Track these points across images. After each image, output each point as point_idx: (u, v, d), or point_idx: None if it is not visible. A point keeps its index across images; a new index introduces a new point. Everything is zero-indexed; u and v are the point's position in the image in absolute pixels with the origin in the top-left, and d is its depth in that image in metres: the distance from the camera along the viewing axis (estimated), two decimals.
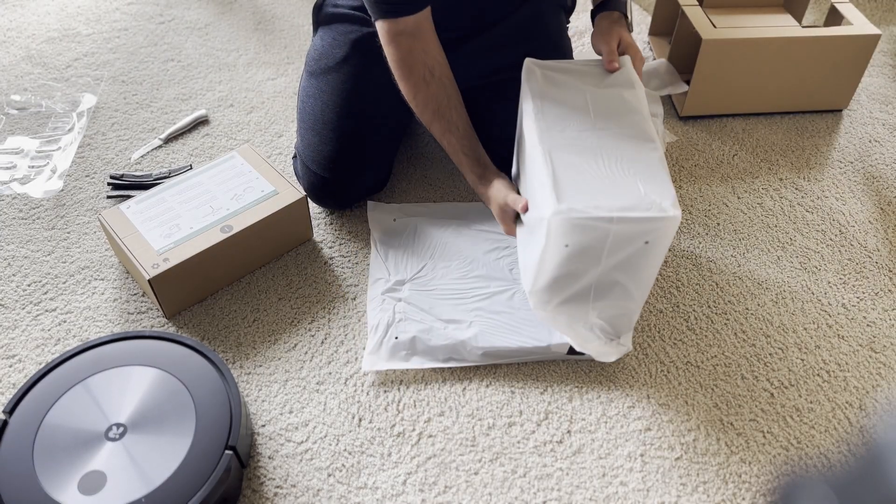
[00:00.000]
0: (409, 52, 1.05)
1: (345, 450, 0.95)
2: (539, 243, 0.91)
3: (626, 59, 1.04)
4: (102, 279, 1.15)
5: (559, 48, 1.28)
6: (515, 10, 1.22)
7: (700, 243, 1.24)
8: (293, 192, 1.15)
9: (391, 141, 1.25)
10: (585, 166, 0.89)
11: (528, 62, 1.02)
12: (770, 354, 1.08)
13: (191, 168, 1.34)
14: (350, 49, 1.20)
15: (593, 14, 1.20)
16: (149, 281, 1.02)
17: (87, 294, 1.13)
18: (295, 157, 1.26)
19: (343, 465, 0.94)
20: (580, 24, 1.75)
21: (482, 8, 1.20)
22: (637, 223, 0.84)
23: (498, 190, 1.07)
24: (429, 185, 1.33)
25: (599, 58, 1.07)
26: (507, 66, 1.21)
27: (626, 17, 1.16)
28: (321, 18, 1.28)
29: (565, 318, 0.97)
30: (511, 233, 1.09)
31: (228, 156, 1.22)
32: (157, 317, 1.10)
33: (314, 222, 1.24)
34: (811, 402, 1.02)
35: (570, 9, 1.35)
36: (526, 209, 0.99)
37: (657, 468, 0.95)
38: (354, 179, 1.21)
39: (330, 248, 1.21)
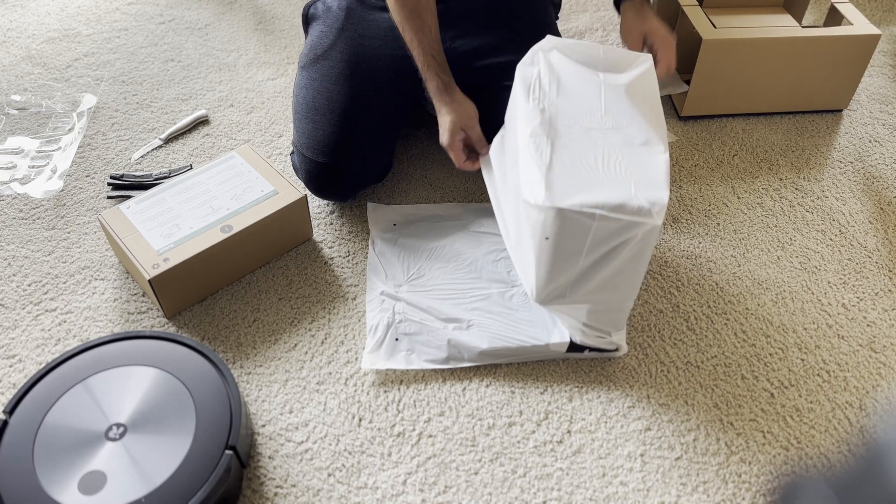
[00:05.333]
0: None
1: (345, 450, 0.95)
2: (525, 234, 0.91)
3: (649, 56, 1.02)
4: (102, 279, 1.15)
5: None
6: None
7: (700, 243, 1.24)
8: (293, 191, 1.15)
9: (388, 125, 1.24)
10: (582, 163, 0.89)
11: (549, 39, 1.00)
12: (770, 354, 1.08)
13: (191, 168, 1.34)
14: (337, 36, 1.21)
15: (616, 3, 1.19)
16: (149, 281, 1.02)
17: (88, 294, 1.13)
18: (292, 152, 1.26)
19: (343, 465, 0.94)
20: (580, 25, 1.75)
21: None
22: (619, 223, 0.83)
23: (464, 107, 1.12)
24: (429, 185, 1.33)
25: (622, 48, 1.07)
26: (493, 51, 1.21)
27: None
28: (309, 18, 1.29)
29: (555, 312, 0.98)
30: (451, 146, 1.12)
31: (228, 156, 1.22)
32: (157, 317, 1.10)
33: (314, 222, 1.24)
34: (811, 402, 1.02)
35: (557, 4, 1.36)
36: (486, 152, 1.10)
37: (657, 468, 0.95)
38: (352, 164, 1.20)
39: (330, 248, 1.21)
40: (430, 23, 1.11)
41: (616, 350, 1.04)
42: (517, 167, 0.93)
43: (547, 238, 0.87)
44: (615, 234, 0.85)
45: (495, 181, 1.08)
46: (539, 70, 0.98)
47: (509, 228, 1.04)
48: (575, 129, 0.92)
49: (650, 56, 1.01)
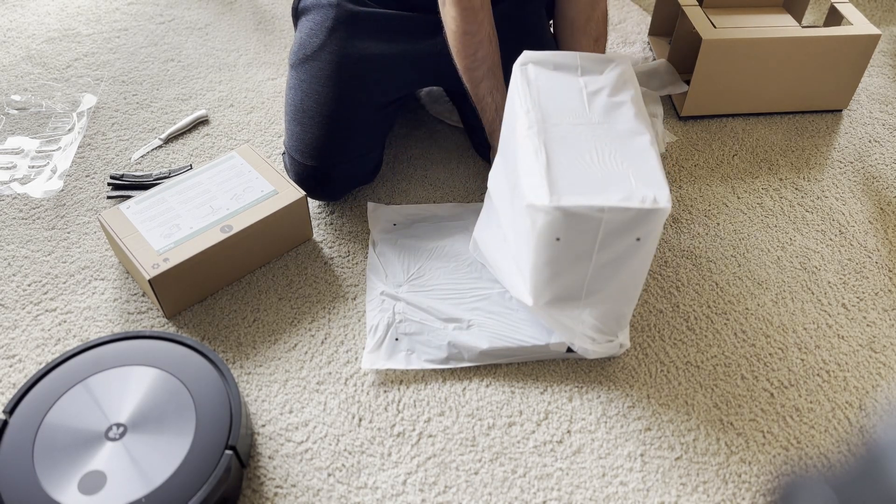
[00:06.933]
0: (481, 7, 1.09)
1: (345, 450, 0.95)
2: (530, 240, 0.91)
3: (626, 58, 1.04)
4: (102, 279, 1.15)
5: (541, 45, 1.28)
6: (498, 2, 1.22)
7: (700, 243, 1.24)
8: (293, 191, 1.15)
9: (377, 126, 1.24)
10: (578, 160, 0.89)
11: (526, 53, 1.02)
12: (770, 354, 1.08)
13: (191, 168, 1.34)
14: (327, 36, 1.20)
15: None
16: (149, 281, 1.02)
17: (87, 294, 1.13)
18: (284, 152, 1.26)
19: (343, 465, 0.94)
20: None
21: None
22: (627, 213, 0.84)
23: None
24: (429, 185, 1.33)
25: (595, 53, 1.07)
26: None
27: None
28: (299, 12, 1.29)
29: (558, 316, 0.98)
30: None
31: (228, 156, 1.22)
32: (157, 317, 1.10)
33: (314, 222, 1.24)
34: (811, 402, 1.02)
35: (550, 9, 1.36)
36: None
37: (657, 468, 0.95)
38: (341, 166, 1.20)
39: (330, 248, 1.21)
40: (502, 80, 1.15)
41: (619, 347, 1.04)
42: (518, 167, 0.93)
43: (558, 239, 0.87)
44: (625, 226, 0.85)
45: (496, 210, 1.08)
46: (517, 84, 0.99)
47: (509, 242, 1.03)
48: (564, 126, 0.93)
49: (627, 56, 1.03)
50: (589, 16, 1.17)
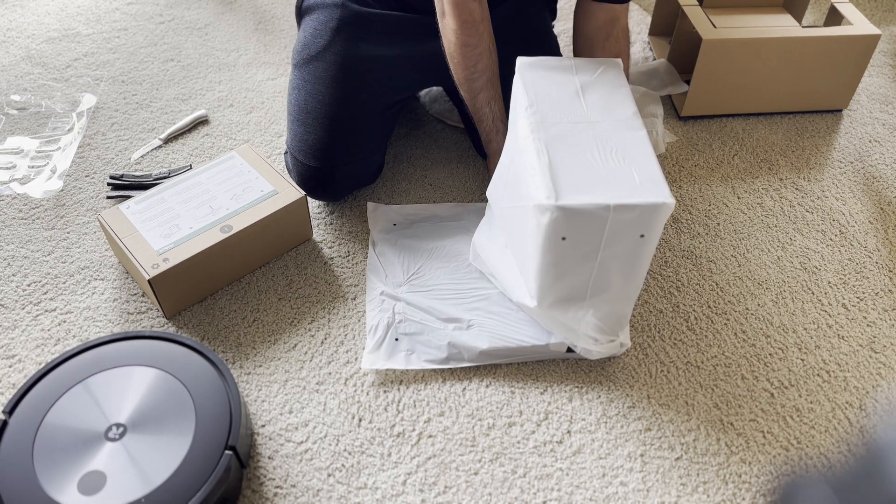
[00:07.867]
0: (482, 20, 1.08)
1: (345, 450, 0.95)
2: (535, 242, 0.91)
3: (617, 61, 1.04)
4: (102, 279, 1.15)
5: (545, 45, 1.28)
6: (500, 3, 1.22)
7: (700, 243, 1.24)
8: (293, 191, 1.15)
9: (380, 127, 1.24)
10: (580, 158, 0.90)
11: (521, 60, 1.02)
12: (770, 354, 1.08)
13: (190, 168, 1.34)
14: (331, 36, 1.20)
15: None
16: (149, 281, 1.02)
17: (87, 294, 1.13)
18: (286, 152, 1.25)
19: (343, 465, 0.94)
20: None
21: None
22: (633, 210, 0.84)
23: None
24: (429, 185, 1.33)
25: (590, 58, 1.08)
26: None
27: None
28: (303, 11, 1.28)
29: (562, 318, 0.98)
30: None
31: (228, 156, 1.22)
32: (157, 317, 1.10)
33: (314, 222, 1.24)
34: (811, 402, 1.02)
35: (553, 10, 1.35)
36: None
37: (657, 468, 0.95)
38: (344, 167, 1.20)
39: (330, 248, 1.21)
40: (500, 90, 1.15)
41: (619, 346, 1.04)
42: (521, 170, 0.93)
43: (564, 238, 0.87)
44: (631, 223, 0.85)
45: (498, 215, 1.08)
46: (516, 88, 0.99)
47: (512, 246, 1.03)
48: (563, 125, 0.94)
49: (619, 60, 1.04)
50: (608, 32, 1.13)
